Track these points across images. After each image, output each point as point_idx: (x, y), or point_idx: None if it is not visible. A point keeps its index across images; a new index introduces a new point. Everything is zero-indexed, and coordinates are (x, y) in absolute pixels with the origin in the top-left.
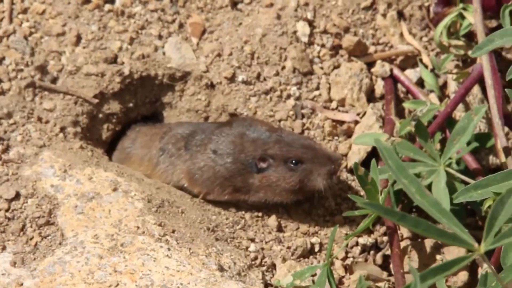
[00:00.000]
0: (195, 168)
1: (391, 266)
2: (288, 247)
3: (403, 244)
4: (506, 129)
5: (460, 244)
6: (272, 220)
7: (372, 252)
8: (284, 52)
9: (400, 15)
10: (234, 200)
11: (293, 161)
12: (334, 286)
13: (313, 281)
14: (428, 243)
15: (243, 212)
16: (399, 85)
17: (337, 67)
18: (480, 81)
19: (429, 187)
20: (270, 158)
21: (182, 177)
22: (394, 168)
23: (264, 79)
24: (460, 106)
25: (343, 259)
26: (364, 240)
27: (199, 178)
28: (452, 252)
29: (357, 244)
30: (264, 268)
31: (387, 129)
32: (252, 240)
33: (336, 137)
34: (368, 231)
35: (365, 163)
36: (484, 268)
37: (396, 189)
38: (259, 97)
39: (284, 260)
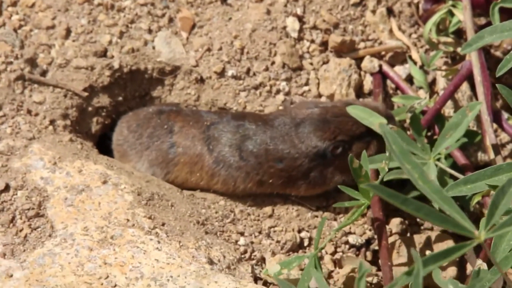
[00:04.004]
0: (264, 178)
1: (380, 261)
2: (278, 241)
3: (392, 239)
4: (495, 125)
5: (461, 231)
6: (263, 214)
7: (362, 248)
8: (273, 47)
9: (390, 11)
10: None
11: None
12: (321, 275)
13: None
14: (417, 238)
15: (233, 206)
16: (388, 82)
17: (326, 62)
18: (469, 78)
19: None
20: (341, 141)
21: (249, 187)
22: (398, 153)
23: (254, 74)
24: (449, 103)
25: (333, 254)
26: (354, 239)
27: (269, 185)
28: (441, 248)
29: (347, 242)
30: (254, 262)
31: None
32: (242, 234)
33: None
34: (359, 231)
35: None
36: (478, 264)
37: (386, 180)
38: (248, 92)
39: (273, 254)
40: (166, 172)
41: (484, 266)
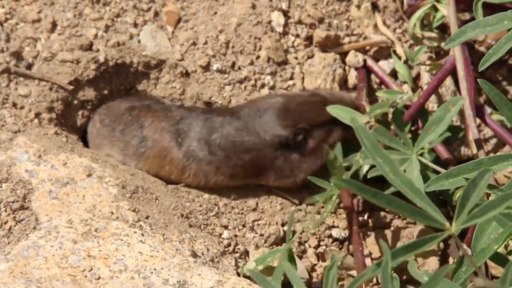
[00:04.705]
0: (235, 172)
1: (351, 247)
2: (261, 235)
3: (375, 233)
4: (478, 120)
5: (432, 223)
6: (247, 207)
7: (345, 242)
8: (258, 41)
9: (374, 6)
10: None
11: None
12: (295, 267)
13: None
14: (392, 232)
15: (217, 200)
16: (372, 77)
17: (311, 57)
18: (453, 73)
19: None
20: (301, 129)
21: (221, 180)
22: (369, 147)
23: (239, 68)
24: (433, 98)
25: (316, 247)
26: (337, 233)
27: (240, 177)
28: None
29: (330, 236)
30: (237, 255)
31: None
32: (226, 227)
33: None
34: (343, 224)
35: None
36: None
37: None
38: (233, 86)
39: (257, 247)
40: (140, 167)
41: (468, 251)
